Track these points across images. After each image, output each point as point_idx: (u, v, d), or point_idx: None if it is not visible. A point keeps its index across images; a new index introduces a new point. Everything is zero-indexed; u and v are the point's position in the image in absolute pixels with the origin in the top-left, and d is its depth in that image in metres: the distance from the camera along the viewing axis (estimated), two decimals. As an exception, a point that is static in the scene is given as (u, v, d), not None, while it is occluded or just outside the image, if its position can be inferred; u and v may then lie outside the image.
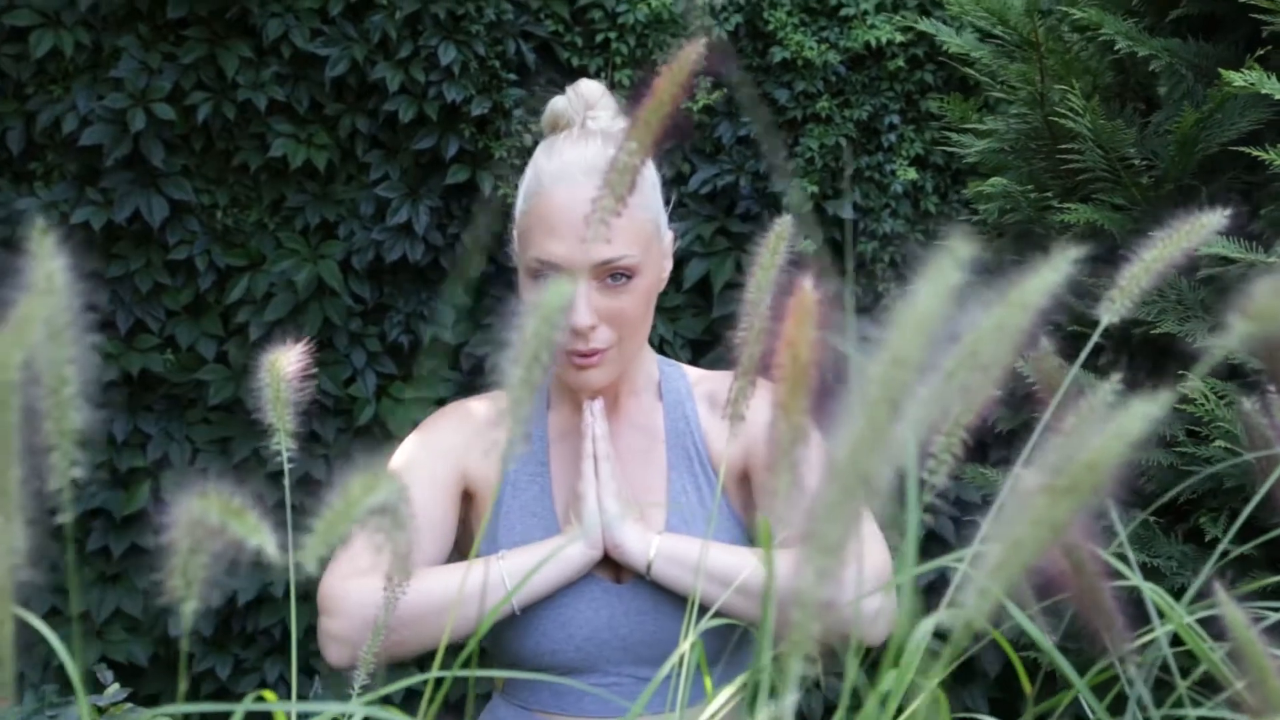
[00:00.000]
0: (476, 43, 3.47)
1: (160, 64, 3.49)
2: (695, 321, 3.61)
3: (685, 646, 0.95)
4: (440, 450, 1.64)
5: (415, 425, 1.77)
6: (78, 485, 0.79)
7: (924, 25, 2.27)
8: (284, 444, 1.03)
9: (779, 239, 1.14)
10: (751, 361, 1.12)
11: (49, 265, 0.65)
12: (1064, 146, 1.68)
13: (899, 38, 3.43)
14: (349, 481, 0.69)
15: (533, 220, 1.59)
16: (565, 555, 1.49)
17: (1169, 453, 2.03)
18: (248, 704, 0.78)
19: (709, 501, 1.60)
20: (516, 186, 3.60)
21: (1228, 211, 0.91)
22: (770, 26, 3.53)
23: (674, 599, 1.53)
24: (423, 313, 3.61)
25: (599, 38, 3.57)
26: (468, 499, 1.65)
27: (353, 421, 3.59)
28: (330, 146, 3.56)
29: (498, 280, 3.68)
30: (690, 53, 0.95)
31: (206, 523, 0.66)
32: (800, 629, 0.55)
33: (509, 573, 1.49)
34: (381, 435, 3.61)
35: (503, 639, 1.57)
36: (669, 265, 1.64)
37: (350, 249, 3.57)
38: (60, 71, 3.52)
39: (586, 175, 1.55)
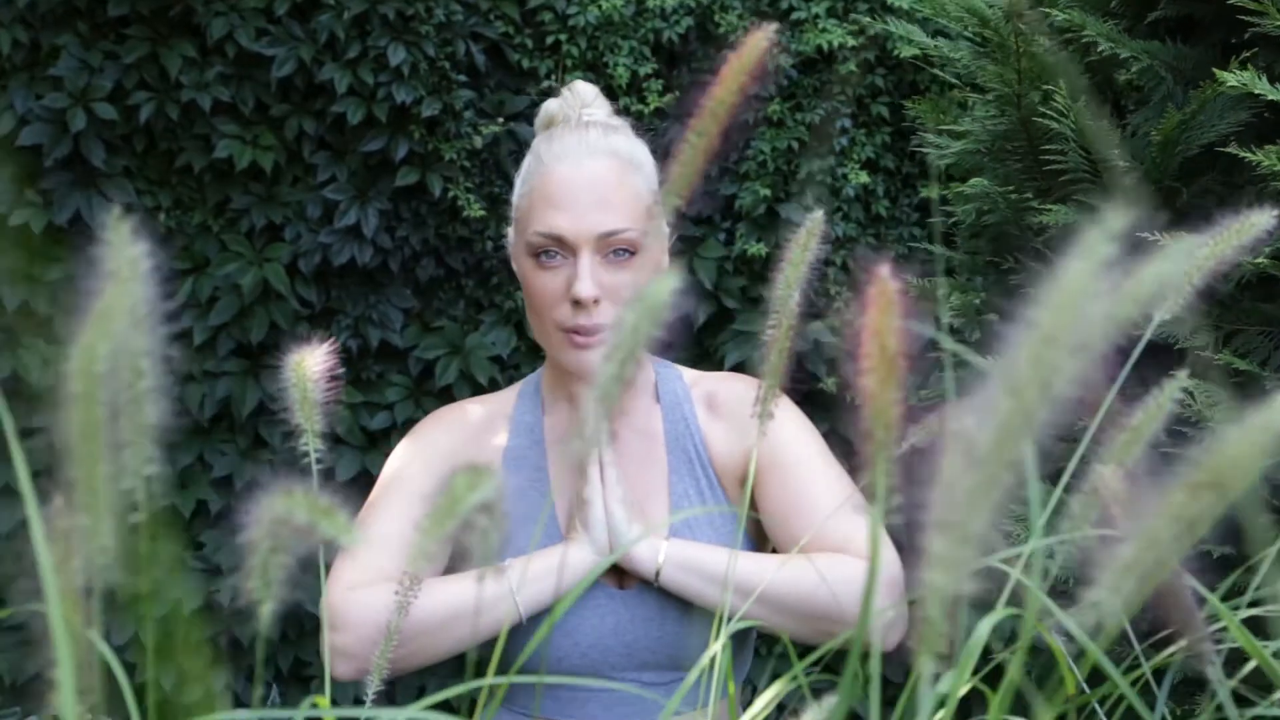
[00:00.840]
0: (426, 44, 3.44)
1: (101, 63, 3.42)
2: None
3: (716, 649, 0.94)
4: (436, 455, 1.61)
5: (401, 431, 1.74)
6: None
7: (892, 25, 2.26)
8: (312, 445, 1.00)
9: (810, 236, 1.13)
10: (781, 358, 1.11)
11: (128, 252, 0.62)
12: (1048, 148, 1.69)
13: (850, 41, 3.44)
14: (453, 478, 0.67)
15: (534, 198, 1.59)
16: (572, 563, 1.47)
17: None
18: (304, 710, 0.76)
19: (710, 504, 1.58)
20: (467, 189, 3.58)
21: (1275, 211, 0.91)
22: (721, 29, 3.53)
23: (679, 604, 1.51)
24: (371, 317, 3.56)
25: (549, 39, 3.54)
26: None
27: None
28: (276, 148, 3.50)
29: (447, 284, 3.64)
30: (757, 40, 0.93)
31: (292, 521, 0.63)
32: (932, 626, 0.54)
33: (516, 582, 1.46)
34: (328, 442, 3.55)
35: (506, 646, 1.54)
36: (667, 261, 1.63)
37: (297, 252, 3.52)
38: (-3, 70, 3.44)
39: (589, 155, 1.56)
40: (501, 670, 1.54)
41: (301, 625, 3.53)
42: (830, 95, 3.52)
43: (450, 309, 3.63)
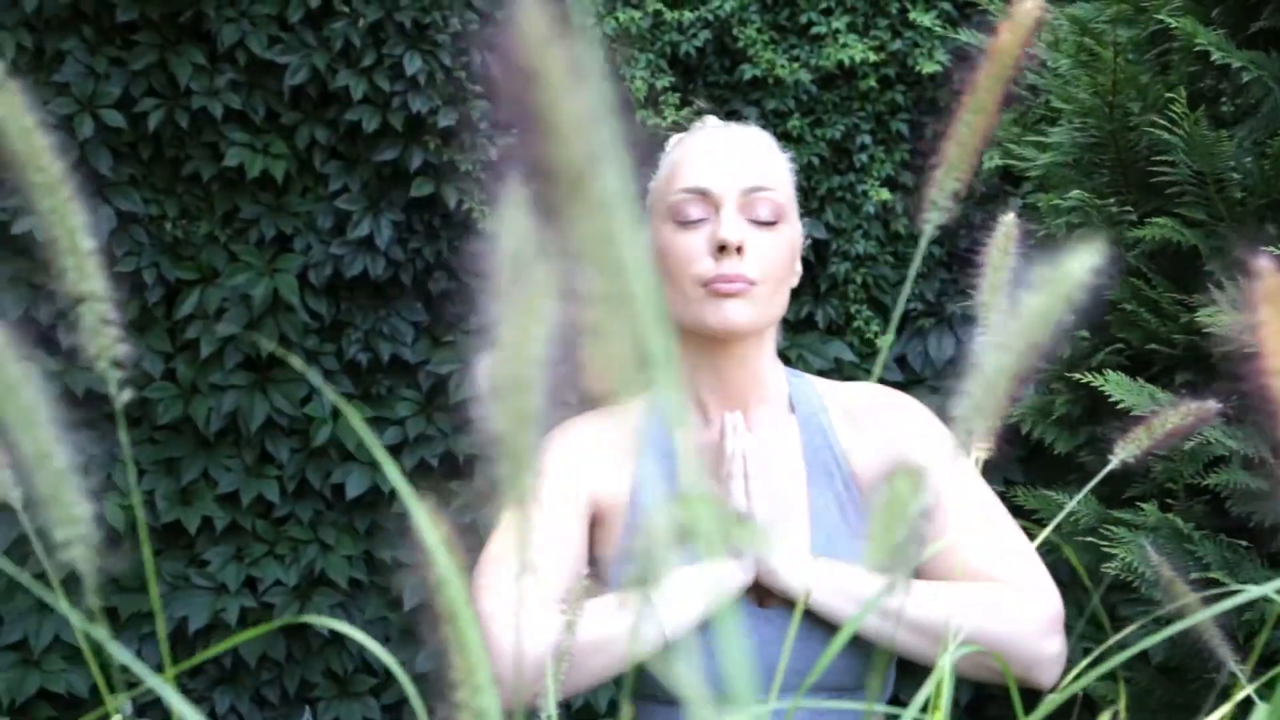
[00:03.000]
0: (442, 53, 3.38)
1: (108, 69, 3.34)
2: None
3: (931, 685, 0.89)
4: (565, 470, 1.52)
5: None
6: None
7: (963, 35, 2.23)
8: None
9: (1007, 239, 1.09)
10: (1004, 366, 1.05)
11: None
12: (1157, 159, 1.66)
13: (871, 57, 3.41)
14: (893, 480, 0.63)
15: (677, 159, 1.55)
16: (718, 581, 1.40)
17: (1255, 475, 2.01)
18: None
19: (853, 519, 1.52)
20: (482, 201, 3.52)
21: None
22: (740, 44, 3.50)
23: (822, 625, 1.45)
24: (382, 330, 3.49)
25: (566, 51, 3.49)
26: (593, 523, 1.53)
27: (308, 442, 3.46)
28: (287, 156, 3.43)
29: (459, 297, 3.58)
30: (1028, 9, 0.88)
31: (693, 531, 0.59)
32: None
33: (663, 602, 1.39)
34: (338, 457, 3.48)
35: (642, 668, 1.47)
36: (799, 266, 1.58)
37: (307, 263, 3.45)
38: None
39: (736, 127, 1.54)
40: (636, 690, 1.47)
41: (308, 645, 3.45)
42: (850, 111, 3.49)
43: (462, 323, 3.57)
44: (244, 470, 3.46)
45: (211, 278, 3.44)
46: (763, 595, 1.49)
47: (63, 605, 0.74)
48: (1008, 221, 1.11)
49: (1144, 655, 2.31)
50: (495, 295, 0.56)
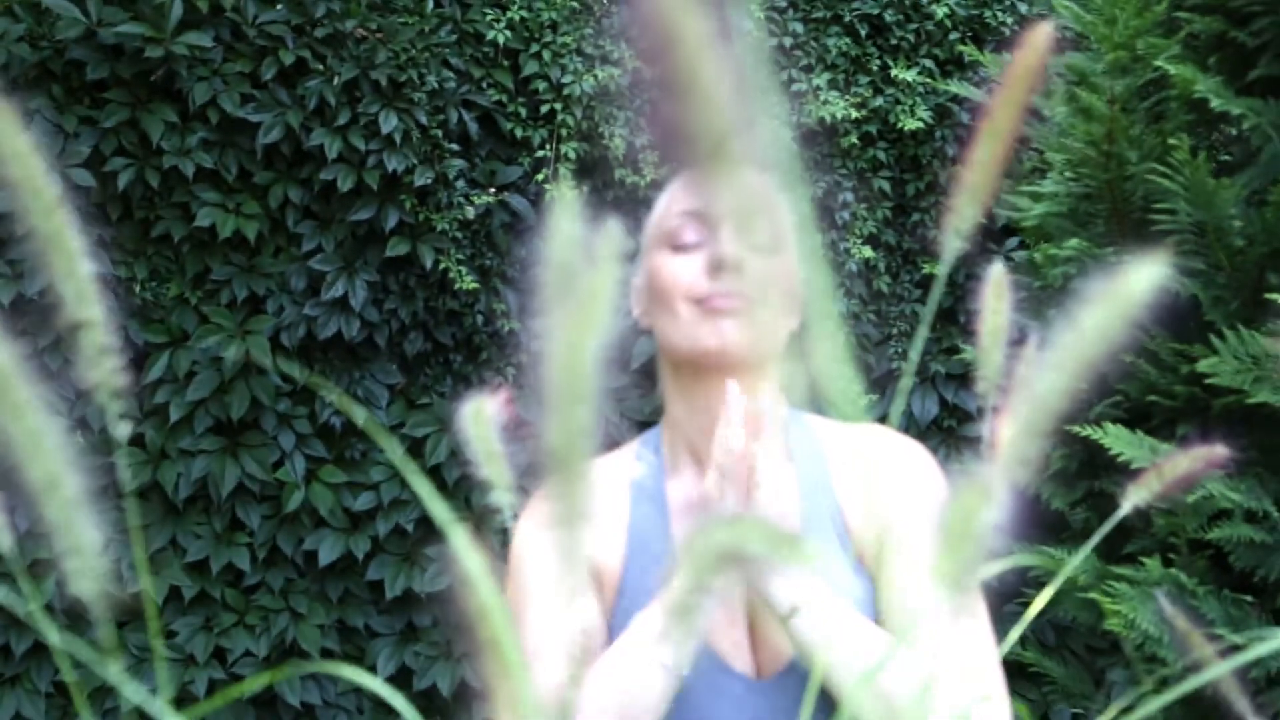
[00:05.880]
0: (418, 111, 3.33)
1: (77, 127, 3.28)
2: (642, 402, 3.48)
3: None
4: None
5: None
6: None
7: (953, 87, 2.19)
8: (505, 502, 0.87)
9: (998, 292, 1.05)
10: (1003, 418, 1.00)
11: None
12: (1155, 207, 1.61)
13: (853, 114, 3.38)
14: (960, 492, 0.58)
15: (673, 189, 1.49)
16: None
17: (1259, 529, 1.95)
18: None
19: (845, 574, 1.43)
20: (459, 261, 3.46)
21: None
22: (719, 101, 3.46)
23: (820, 696, 1.37)
24: (356, 392, 3.42)
25: (544, 109, 3.45)
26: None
27: (280, 508, 3.36)
28: (260, 216, 3.37)
29: (434, 359, 3.51)
30: (1037, 38, 0.84)
31: (740, 553, 0.54)
32: None
33: (655, 645, 1.31)
34: (310, 523, 3.38)
35: None
36: (798, 313, 1.49)
37: (280, 324, 3.38)
38: (-34, 133, 3.27)
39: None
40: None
41: (278, 719, 3.34)
42: (832, 168, 3.46)
43: (437, 385, 3.50)
44: (213, 537, 3.36)
45: (181, 340, 3.36)
46: (760, 666, 1.42)
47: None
48: (997, 271, 1.09)
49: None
50: (544, 307, 0.51)
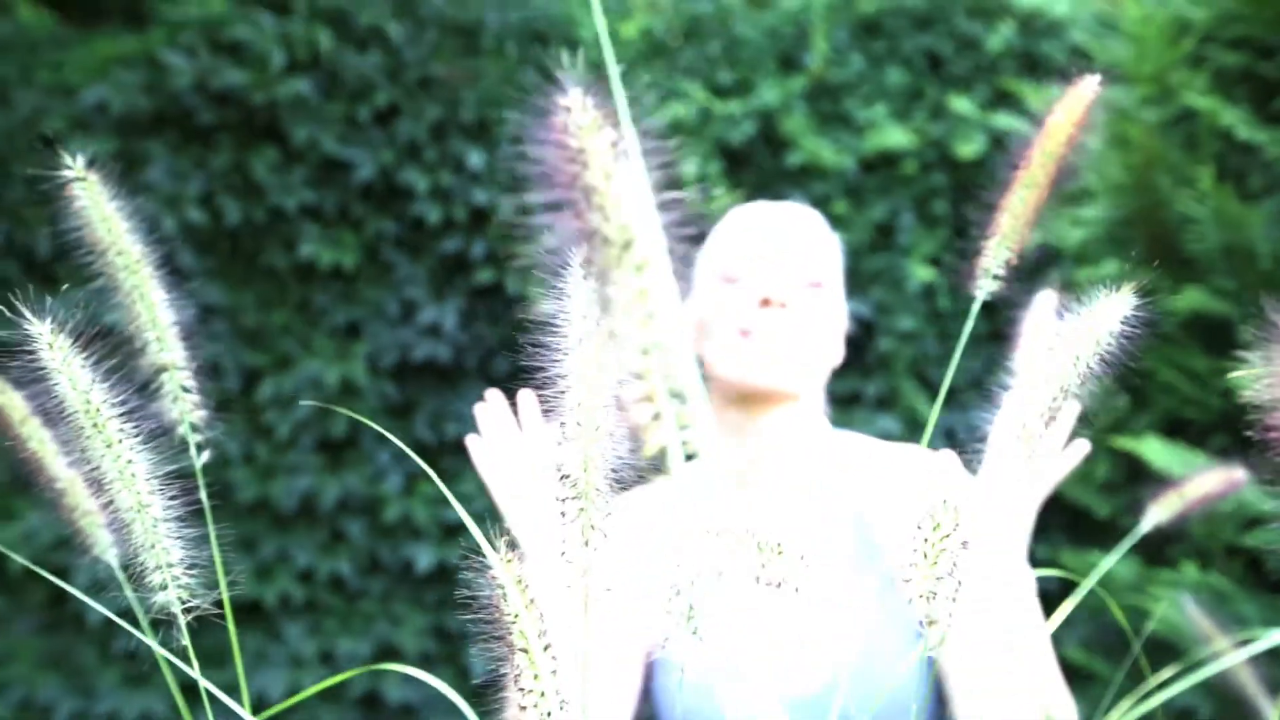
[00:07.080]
0: (502, 147, 3.56)
1: (190, 169, 3.54)
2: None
3: None
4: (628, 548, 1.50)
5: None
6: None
7: (1000, 120, 2.37)
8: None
9: (1043, 312, 1.21)
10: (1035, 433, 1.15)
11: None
12: (1189, 230, 1.77)
13: (911, 143, 3.57)
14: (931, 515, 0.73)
15: (730, 225, 1.57)
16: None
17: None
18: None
19: (889, 598, 1.47)
20: (540, 285, 3.68)
21: None
22: (785, 133, 3.66)
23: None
24: (447, 411, 3.65)
25: (620, 143, 3.66)
26: None
27: (379, 520, 3.61)
28: (357, 249, 3.62)
29: (521, 378, 3.73)
30: (1083, 90, 0.95)
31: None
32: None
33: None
34: (407, 534, 3.62)
35: None
36: (842, 346, 1.58)
37: (376, 349, 3.62)
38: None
39: (781, 204, 1.60)
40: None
41: (381, 716, 3.58)
42: (892, 194, 3.64)
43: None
44: (317, 548, 3.61)
45: (286, 364, 3.62)
46: (799, 684, 1.46)
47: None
48: (1045, 294, 1.23)
49: (1190, 713, 2.40)
50: (565, 350, 0.66)
